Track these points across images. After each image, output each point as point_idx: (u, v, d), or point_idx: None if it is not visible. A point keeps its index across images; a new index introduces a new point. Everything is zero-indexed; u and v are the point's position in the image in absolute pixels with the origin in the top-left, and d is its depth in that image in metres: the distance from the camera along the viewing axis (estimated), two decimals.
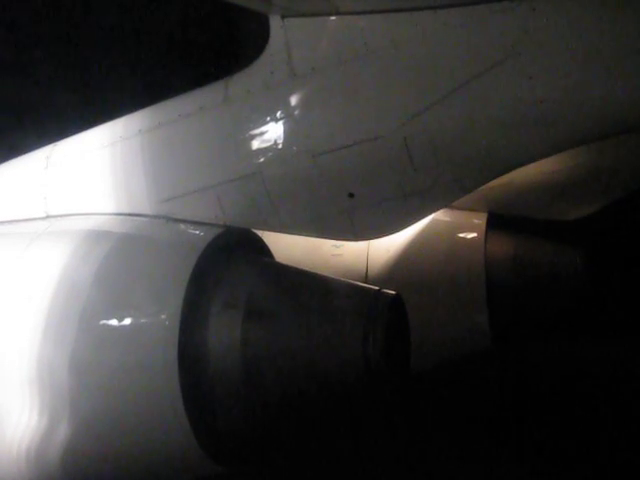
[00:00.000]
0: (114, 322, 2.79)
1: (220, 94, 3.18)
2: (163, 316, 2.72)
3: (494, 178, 3.03)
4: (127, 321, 2.79)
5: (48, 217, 3.41)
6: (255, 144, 3.09)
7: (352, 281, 3.14)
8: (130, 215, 3.25)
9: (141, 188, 3.25)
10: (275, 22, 3.01)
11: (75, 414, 2.73)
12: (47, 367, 2.73)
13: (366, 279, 4.64)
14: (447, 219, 4.84)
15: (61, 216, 3.38)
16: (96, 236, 3.08)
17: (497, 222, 4.94)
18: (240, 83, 3.16)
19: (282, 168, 3.05)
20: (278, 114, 3.04)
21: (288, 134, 3.03)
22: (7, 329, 2.84)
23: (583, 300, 4.88)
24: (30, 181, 3.54)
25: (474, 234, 4.82)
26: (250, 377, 2.79)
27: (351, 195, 3.03)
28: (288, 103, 3.05)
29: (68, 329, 2.75)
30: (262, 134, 3.07)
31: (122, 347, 2.76)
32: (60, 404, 2.72)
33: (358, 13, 2.91)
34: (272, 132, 3.04)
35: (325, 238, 3.35)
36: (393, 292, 2.97)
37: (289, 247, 3.74)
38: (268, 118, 3.06)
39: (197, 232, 3.12)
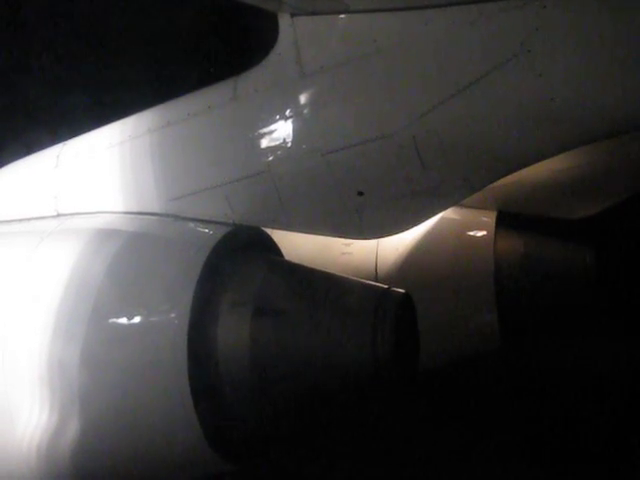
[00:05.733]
0: (124, 320, 2.80)
1: (229, 93, 3.19)
2: (173, 314, 2.73)
3: (503, 176, 3.02)
4: (137, 319, 2.80)
5: (59, 215, 3.43)
6: (264, 142, 3.09)
7: (361, 279, 3.14)
8: (139, 213, 3.27)
9: (150, 187, 3.27)
10: (284, 20, 3.01)
11: (84, 412, 2.74)
12: (57, 365, 2.75)
13: (375, 277, 4.64)
14: (456, 217, 4.82)
15: (71, 214, 3.40)
16: (106, 235, 3.10)
17: (506, 220, 4.92)
18: (249, 82, 3.16)
19: (291, 166, 3.05)
20: (287, 112, 3.04)
21: (297, 132, 3.03)
22: (18, 327, 2.85)
23: (593, 298, 4.85)
24: (40, 180, 3.56)
25: (483, 232, 4.80)
26: (259, 375, 2.79)
27: (360, 193, 3.03)
28: (297, 101, 3.05)
29: (78, 327, 2.76)
30: (271, 132, 3.07)
31: (132, 345, 2.78)
32: (70, 402, 2.74)
33: (368, 11, 2.91)
34: (281, 130, 3.04)
35: (334, 236, 3.36)
36: (402, 290, 2.97)
37: (298, 245, 3.74)
38: (277, 116, 3.06)
39: (206, 230, 3.13)
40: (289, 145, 3.04)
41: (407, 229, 3.23)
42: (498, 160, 2.94)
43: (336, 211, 3.12)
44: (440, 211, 3.30)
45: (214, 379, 2.78)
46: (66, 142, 3.64)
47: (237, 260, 2.99)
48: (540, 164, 3.01)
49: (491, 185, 3.06)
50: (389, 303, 2.84)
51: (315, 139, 3.01)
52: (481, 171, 2.98)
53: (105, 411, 2.76)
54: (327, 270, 3.11)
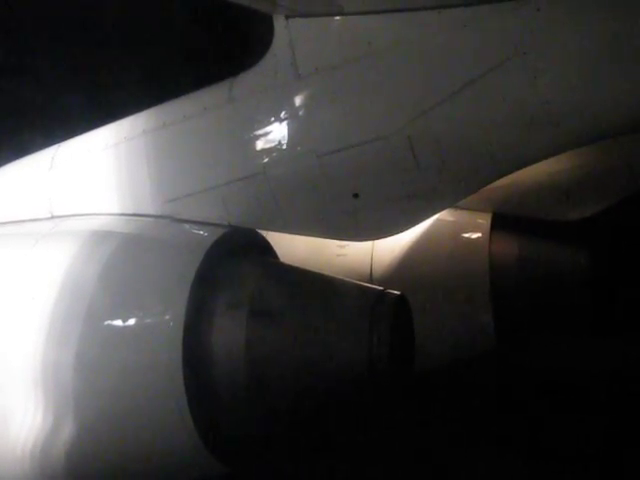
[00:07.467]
0: (119, 322, 2.80)
1: (224, 94, 3.19)
2: (168, 316, 2.73)
3: (498, 178, 3.02)
4: (132, 321, 2.80)
5: (53, 217, 3.42)
6: (259, 144, 3.09)
7: (357, 281, 3.14)
8: (135, 215, 3.26)
9: (146, 188, 3.26)
10: (279, 22, 3.01)
11: (79, 414, 2.74)
12: (52, 367, 2.74)
13: (371, 279, 4.64)
14: (451, 219, 4.82)
15: (66, 216, 3.39)
16: (101, 236, 3.09)
17: (501, 222, 4.92)
18: (244, 83, 3.16)
19: (287, 168, 3.05)
20: (282, 114, 3.04)
21: (292, 134, 3.03)
22: (12, 329, 2.85)
23: (588, 300, 4.87)
24: (35, 182, 3.56)
25: (478, 234, 4.80)
26: (254, 377, 2.79)
27: (356, 195, 3.03)
28: (292, 103, 3.06)
29: (73, 329, 2.75)
30: (266, 134, 3.07)
31: (127, 347, 2.77)
32: (64, 404, 2.73)
33: (362, 13, 2.91)
34: (276, 132, 3.05)
35: (329, 238, 3.35)
36: (397, 292, 2.97)
37: (293, 247, 3.74)
38: (272, 118, 3.06)
39: (202, 232, 3.13)
40: (284, 147, 3.04)
41: (402, 231, 3.23)
42: (493, 162, 2.94)
43: (331, 213, 3.12)
44: (435, 213, 3.30)
45: (209, 381, 2.78)
46: (61, 144, 3.64)
47: (232, 262, 2.99)
48: (535, 166, 3.02)
49: (486, 187, 3.06)
50: (385, 305, 2.84)
51: (310, 141, 3.02)
52: (476, 173, 2.98)
53: (100, 413, 2.75)
54: (322, 272, 3.11)
